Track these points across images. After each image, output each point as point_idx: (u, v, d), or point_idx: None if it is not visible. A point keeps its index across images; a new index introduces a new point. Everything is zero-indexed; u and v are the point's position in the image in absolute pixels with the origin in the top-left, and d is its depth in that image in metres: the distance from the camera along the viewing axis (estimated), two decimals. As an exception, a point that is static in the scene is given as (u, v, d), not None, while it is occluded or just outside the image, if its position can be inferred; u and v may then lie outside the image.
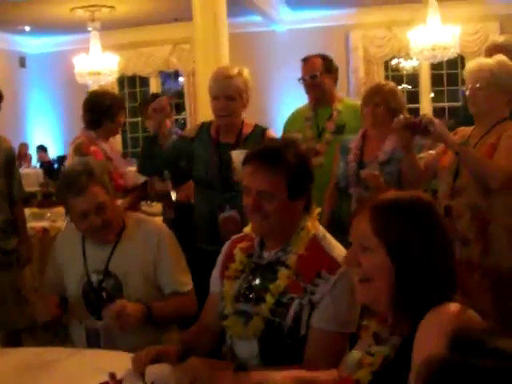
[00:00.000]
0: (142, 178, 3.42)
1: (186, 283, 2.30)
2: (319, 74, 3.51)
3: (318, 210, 1.89)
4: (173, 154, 3.08)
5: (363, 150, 3.11)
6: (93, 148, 3.32)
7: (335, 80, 3.60)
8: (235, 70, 2.84)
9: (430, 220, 1.32)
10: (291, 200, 1.78)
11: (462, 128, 2.75)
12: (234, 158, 2.71)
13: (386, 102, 3.01)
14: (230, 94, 2.80)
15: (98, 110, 3.40)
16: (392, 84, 3.23)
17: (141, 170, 3.29)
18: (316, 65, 3.55)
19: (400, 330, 1.28)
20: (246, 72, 2.88)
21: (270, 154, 1.78)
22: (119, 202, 2.97)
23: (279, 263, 1.81)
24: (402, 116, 2.59)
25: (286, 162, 1.76)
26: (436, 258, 1.28)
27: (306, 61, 3.60)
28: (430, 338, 1.16)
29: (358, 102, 3.29)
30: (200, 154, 2.94)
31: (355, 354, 1.39)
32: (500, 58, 2.65)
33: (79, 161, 2.42)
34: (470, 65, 2.70)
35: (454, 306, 1.23)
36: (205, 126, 3.02)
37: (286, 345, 1.75)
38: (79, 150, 3.33)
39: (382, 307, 1.35)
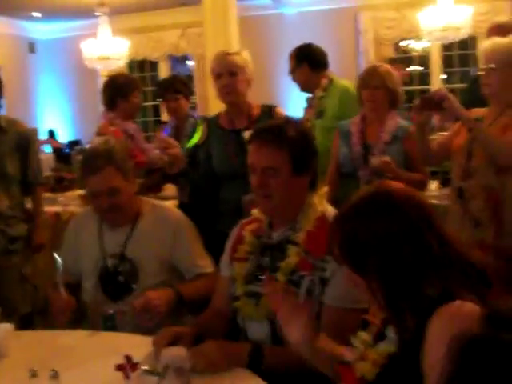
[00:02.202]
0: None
1: (207, 266, 2.29)
2: (291, 71, 3.75)
3: (325, 188, 1.89)
4: (208, 166, 3.03)
5: (365, 132, 3.11)
6: (111, 128, 3.39)
7: (310, 67, 3.69)
8: (234, 50, 2.98)
9: (413, 219, 1.25)
10: (296, 176, 1.79)
11: (475, 109, 2.71)
12: (246, 138, 2.72)
13: (384, 83, 3.00)
14: (232, 70, 2.86)
15: (111, 90, 3.50)
16: (386, 65, 3.25)
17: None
18: (290, 63, 3.76)
19: (404, 327, 1.24)
20: (245, 52, 2.97)
21: (272, 130, 1.81)
22: (139, 181, 2.92)
23: (288, 241, 1.81)
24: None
25: (287, 137, 1.78)
26: (422, 258, 1.21)
27: None
28: (439, 341, 1.13)
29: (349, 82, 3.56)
30: (215, 149, 2.94)
31: (363, 336, 1.38)
32: None
33: (103, 141, 2.35)
34: (485, 45, 2.64)
35: (456, 306, 1.17)
36: (211, 122, 3.03)
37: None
38: (98, 131, 3.47)
39: (375, 306, 1.32)
